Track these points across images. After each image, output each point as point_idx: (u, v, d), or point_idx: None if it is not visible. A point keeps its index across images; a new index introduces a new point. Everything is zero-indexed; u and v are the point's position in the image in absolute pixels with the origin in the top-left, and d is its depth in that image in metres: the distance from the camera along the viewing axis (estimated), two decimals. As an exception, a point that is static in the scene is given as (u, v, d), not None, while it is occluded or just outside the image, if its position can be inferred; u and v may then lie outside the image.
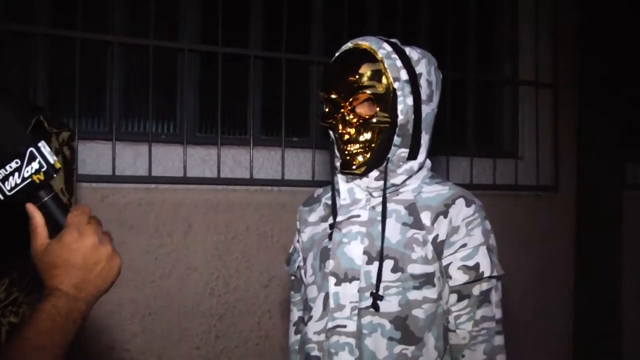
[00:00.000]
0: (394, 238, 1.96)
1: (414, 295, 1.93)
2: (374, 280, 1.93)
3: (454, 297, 1.95)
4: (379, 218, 1.97)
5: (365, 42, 1.99)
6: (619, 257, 4.86)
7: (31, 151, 1.34)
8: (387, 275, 1.93)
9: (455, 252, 1.94)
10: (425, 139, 2.02)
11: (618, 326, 4.85)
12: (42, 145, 1.37)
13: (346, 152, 1.97)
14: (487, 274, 1.95)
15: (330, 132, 2.04)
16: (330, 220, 2.05)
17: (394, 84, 1.94)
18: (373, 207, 2.00)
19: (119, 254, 1.43)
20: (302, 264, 2.16)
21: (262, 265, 3.83)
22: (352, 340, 1.95)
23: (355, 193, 2.02)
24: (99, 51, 3.70)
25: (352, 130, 1.95)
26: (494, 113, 4.98)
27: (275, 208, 3.84)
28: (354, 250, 1.98)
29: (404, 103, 1.94)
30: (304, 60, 4.14)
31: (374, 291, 1.92)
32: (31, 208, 1.36)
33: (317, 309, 2.03)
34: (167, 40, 3.79)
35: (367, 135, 1.94)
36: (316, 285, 2.05)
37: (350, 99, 1.94)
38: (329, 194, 2.12)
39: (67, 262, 1.34)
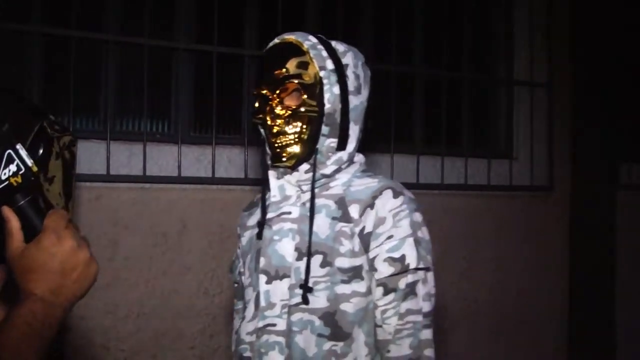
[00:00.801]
0: (323, 233, 1.93)
1: (342, 289, 1.90)
2: (303, 276, 1.90)
3: (380, 291, 1.89)
4: (309, 213, 1.96)
5: (291, 36, 2.00)
6: (613, 257, 4.87)
7: (9, 153, 1.34)
8: (316, 270, 1.91)
9: (382, 243, 1.89)
10: (354, 129, 2.00)
11: (612, 325, 4.86)
12: (20, 147, 1.37)
13: (276, 145, 1.95)
14: (412, 265, 1.88)
15: (261, 129, 2.03)
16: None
17: (320, 72, 1.94)
18: (304, 204, 1.98)
19: (95, 260, 1.40)
20: (242, 269, 2.14)
21: (256, 264, 3.82)
22: (281, 339, 1.92)
23: (286, 190, 2.01)
24: (94, 50, 3.69)
25: (282, 122, 1.94)
26: (488, 113, 4.98)
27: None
28: (285, 247, 1.96)
29: (331, 92, 1.94)
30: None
31: (304, 284, 1.89)
32: (7, 211, 1.34)
33: (249, 309, 2.01)
34: (162, 40, 3.78)
35: (297, 127, 1.93)
36: (252, 287, 2.03)
37: (278, 91, 1.94)
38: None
39: (43, 267, 1.31)
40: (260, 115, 1.99)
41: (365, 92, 2.05)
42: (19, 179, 1.34)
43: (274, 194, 2.01)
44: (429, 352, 1.91)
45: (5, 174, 1.32)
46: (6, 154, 1.33)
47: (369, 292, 1.91)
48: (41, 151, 2.17)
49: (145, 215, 3.59)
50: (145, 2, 3.63)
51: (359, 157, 2.07)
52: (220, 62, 3.80)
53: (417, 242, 1.91)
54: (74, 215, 2.29)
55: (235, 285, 2.23)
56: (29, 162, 1.36)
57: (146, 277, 3.57)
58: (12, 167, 1.33)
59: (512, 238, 4.68)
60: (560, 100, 4.90)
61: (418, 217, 1.96)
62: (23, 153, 1.36)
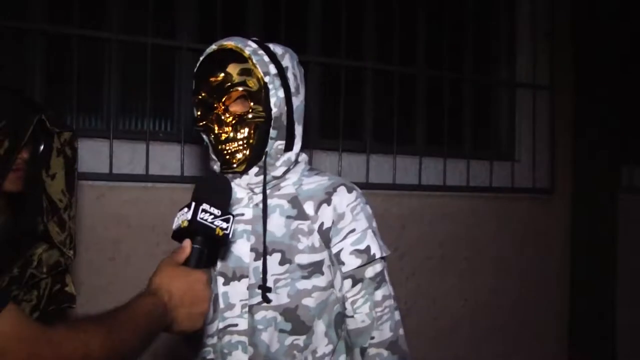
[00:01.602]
0: (279, 231, 1.97)
1: (303, 284, 1.95)
2: (262, 275, 1.94)
3: (348, 283, 1.98)
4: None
5: (230, 42, 1.99)
6: (614, 259, 4.87)
7: (232, 217, 1.71)
8: (275, 268, 1.95)
9: (345, 238, 1.98)
10: (298, 130, 2.04)
11: (613, 328, 4.86)
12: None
13: (225, 152, 1.96)
14: (378, 255, 1.99)
15: (204, 136, 2.03)
16: None
17: (264, 78, 1.95)
18: (257, 205, 2.01)
19: (204, 316, 1.68)
20: None
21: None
22: (244, 338, 1.96)
23: (236, 193, 2.02)
24: (97, 48, 3.68)
25: (229, 129, 1.94)
26: (490, 115, 4.98)
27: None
28: (241, 248, 1.99)
29: (276, 96, 1.95)
30: (302, 60, 4.13)
31: (261, 285, 1.93)
32: (188, 243, 1.68)
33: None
34: (165, 38, 3.78)
35: (245, 132, 1.94)
36: None
37: (223, 99, 1.94)
38: None
39: (180, 283, 1.60)
40: (203, 123, 1.99)
41: (302, 91, 2.07)
42: (220, 233, 1.69)
43: None
44: (402, 331, 2.04)
45: (218, 222, 1.69)
46: (231, 216, 1.71)
47: (329, 285, 1.99)
48: (42, 147, 2.18)
49: (147, 215, 3.58)
50: (148, 1, 3.63)
51: (303, 156, 2.11)
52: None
53: (374, 233, 2.03)
54: (77, 212, 2.30)
55: None
56: (230, 233, 1.71)
57: (148, 276, 3.55)
58: (224, 224, 1.69)
59: (514, 240, 4.68)
60: (562, 103, 4.90)
61: (369, 209, 2.06)
62: (233, 226, 1.73)
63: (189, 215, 1.67)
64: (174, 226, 1.74)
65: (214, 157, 2.03)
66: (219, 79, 1.93)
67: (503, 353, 4.65)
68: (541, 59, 4.85)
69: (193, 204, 1.69)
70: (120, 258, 3.52)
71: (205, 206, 1.67)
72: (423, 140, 4.60)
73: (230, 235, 1.71)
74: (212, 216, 1.67)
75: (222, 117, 1.95)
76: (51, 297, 2.22)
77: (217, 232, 1.67)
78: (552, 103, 4.87)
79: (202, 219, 1.66)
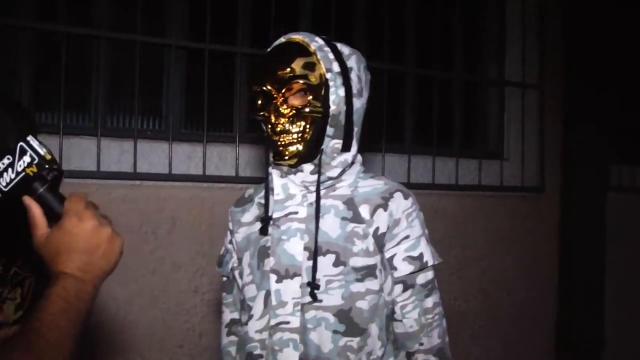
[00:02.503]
0: (334, 232, 1.98)
1: (357, 287, 1.96)
2: (316, 275, 1.95)
3: (399, 288, 2.01)
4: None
5: (298, 36, 2.02)
6: (602, 258, 4.89)
7: (21, 146, 1.40)
8: (329, 269, 1.96)
9: (399, 243, 1.99)
10: (356, 132, 2.05)
11: (601, 325, 4.88)
12: (31, 138, 1.42)
13: (279, 143, 1.97)
14: (430, 262, 2.01)
15: (263, 126, 2.04)
16: None
17: (326, 74, 1.96)
18: (311, 204, 2.01)
19: (119, 235, 1.49)
20: (236, 264, 2.16)
21: (246, 263, 3.81)
22: (296, 336, 1.96)
23: (290, 188, 2.03)
24: (85, 46, 3.67)
25: (285, 121, 1.96)
26: (479, 114, 4.99)
27: (260, 206, 3.82)
28: (294, 247, 1.99)
29: (336, 94, 1.97)
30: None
31: (311, 282, 1.94)
32: (28, 200, 1.41)
33: (257, 307, 2.02)
34: (154, 36, 3.76)
35: (300, 126, 1.96)
36: (255, 284, 2.05)
37: (283, 90, 1.95)
38: (261, 193, 2.14)
39: (69, 248, 1.40)
40: (263, 113, 2.00)
41: (365, 95, 2.09)
42: (34, 169, 1.40)
43: (277, 192, 2.03)
44: (447, 338, 2.11)
45: (20, 165, 1.39)
46: (18, 146, 1.39)
47: (381, 289, 2.00)
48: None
49: (135, 213, 3.57)
50: (137, -1, 3.62)
51: (358, 158, 2.12)
52: (212, 59, 3.79)
53: (428, 240, 2.05)
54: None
55: (225, 279, 2.26)
56: (42, 151, 1.41)
57: (135, 275, 3.56)
58: (26, 159, 1.39)
59: (503, 238, 4.69)
60: (551, 102, 4.91)
61: (422, 216, 2.07)
62: (35, 143, 1.42)
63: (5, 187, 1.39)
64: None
65: (269, 147, 2.04)
66: (284, 70, 1.95)
67: (492, 351, 4.65)
68: (530, 58, 4.86)
69: None
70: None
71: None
72: (412, 139, 4.60)
73: (41, 153, 1.42)
74: (8, 169, 1.40)
75: (280, 109, 1.96)
76: (35, 296, 2.21)
77: (31, 174, 1.41)
78: (541, 102, 4.88)
79: (8, 184, 1.40)
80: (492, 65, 5.01)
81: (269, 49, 2.06)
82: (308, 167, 1.99)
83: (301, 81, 1.94)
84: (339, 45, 2.04)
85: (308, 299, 1.95)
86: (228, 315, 2.24)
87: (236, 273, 2.15)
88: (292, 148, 1.96)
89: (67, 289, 1.37)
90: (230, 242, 2.21)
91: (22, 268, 2.15)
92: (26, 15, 3.50)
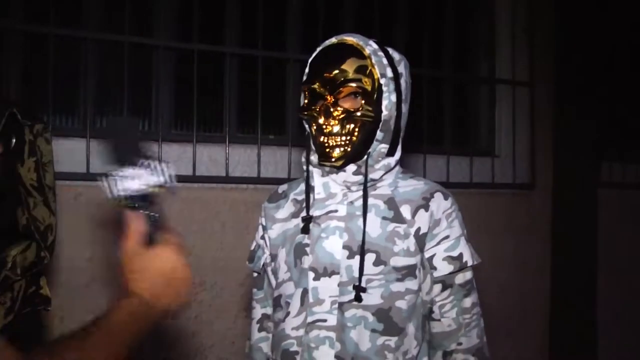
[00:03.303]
0: (374, 232, 1.98)
1: (397, 287, 1.96)
2: (355, 274, 1.94)
3: (438, 287, 2.01)
4: (358, 213, 1.98)
5: (352, 38, 2.02)
6: (594, 253, 4.89)
7: (163, 166, 1.46)
8: (369, 268, 1.95)
9: (439, 243, 2.00)
10: (401, 136, 2.06)
11: (593, 321, 4.89)
12: (170, 165, 1.48)
13: (326, 145, 1.97)
14: (470, 263, 2.04)
15: (306, 125, 2.04)
16: (304, 214, 2.05)
17: (380, 79, 1.96)
18: (351, 202, 2.01)
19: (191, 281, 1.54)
20: (268, 260, 2.16)
21: (238, 263, 3.79)
22: (332, 334, 1.96)
23: (331, 187, 2.03)
24: (73, 47, 3.66)
25: (335, 122, 1.95)
26: (470, 111, 4.99)
27: (251, 206, 3.81)
28: (333, 245, 1.99)
29: (389, 99, 1.97)
30: (281, 57, 4.13)
31: (357, 284, 1.93)
32: (138, 214, 1.45)
33: (294, 304, 2.02)
34: (143, 37, 3.75)
35: (350, 128, 1.95)
36: (293, 282, 2.04)
37: (335, 92, 1.95)
38: (297, 190, 2.14)
39: (153, 272, 1.46)
40: (308, 112, 2.00)
41: (409, 100, 2.10)
42: (162, 191, 1.46)
43: (318, 191, 2.03)
44: (485, 338, 2.11)
45: (154, 181, 1.43)
46: (161, 166, 1.45)
47: (419, 289, 2.00)
48: (14, 141, 2.16)
49: (124, 214, 3.55)
50: (125, 0, 3.60)
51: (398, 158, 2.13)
52: (201, 59, 3.78)
53: (467, 240, 2.07)
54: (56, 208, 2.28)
55: (255, 275, 2.26)
56: (174, 181, 1.48)
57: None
58: (160, 179, 1.44)
59: (494, 235, 4.69)
60: (541, 99, 4.92)
61: (461, 215, 2.08)
62: (171, 171, 1.47)
63: (109, 194, 1.43)
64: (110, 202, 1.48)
65: (313, 147, 2.03)
66: (337, 71, 1.94)
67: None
68: (521, 56, 4.86)
69: (105, 179, 1.43)
70: (97, 258, 3.50)
71: (116, 174, 1.43)
72: (403, 137, 4.59)
73: (173, 179, 1.48)
74: (134, 179, 1.43)
75: (331, 109, 1.96)
76: (26, 300, 2.21)
77: (155, 192, 1.46)
78: (531, 99, 4.88)
79: (130, 194, 1.43)
80: (482, 63, 5.01)
81: (318, 49, 2.05)
82: (351, 167, 1.99)
83: (354, 84, 1.93)
84: (390, 50, 2.05)
85: (346, 297, 1.95)
86: (259, 310, 2.23)
87: (269, 269, 2.16)
88: (339, 150, 1.96)
89: (135, 306, 1.42)
90: (262, 237, 2.20)
91: (12, 271, 2.15)
92: (14, 17, 3.49)
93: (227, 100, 3.95)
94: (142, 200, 1.45)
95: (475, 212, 4.63)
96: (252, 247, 2.26)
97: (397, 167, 2.10)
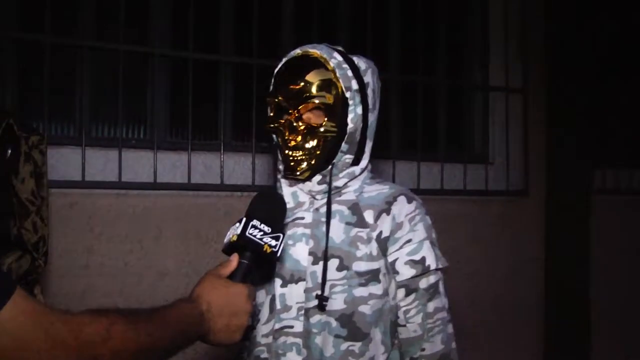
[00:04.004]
0: (338, 237, 1.98)
1: (360, 292, 1.96)
2: (320, 280, 1.95)
3: (401, 292, 2.00)
4: (323, 219, 1.99)
5: (316, 51, 2.01)
6: (587, 261, 4.90)
7: (282, 236, 1.73)
8: (333, 274, 1.96)
9: (401, 247, 1.99)
10: (369, 146, 2.07)
11: (588, 328, 4.89)
12: (286, 239, 1.84)
13: (290, 158, 1.99)
14: (433, 266, 2.00)
15: (274, 137, 2.05)
16: None
17: (345, 93, 1.96)
18: (317, 209, 2.02)
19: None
20: None
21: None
22: (299, 340, 1.97)
23: (299, 196, 2.05)
24: (69, 55, 3.66)
25: (299, 137, 1.97)
26: (464, 118, 5.00)
27: (246, 214, 3.81)
28: (300, 252, 2.00)
29: (354, 112, 1.98)
30: (275, 65, 4.13)
31: (320, 291, 1.94)
32: (235, 257, 1.71)
33: (264, 311, 2.04)
34: (138, 45, 3.76)
35: (313, 143, 1.97)
36: (264, 289, 2.05)
37: (299, 107, 1.96)
38: None
39: (221, 301, 1.61)
40: (274, 125, 2.00)
41: (377, 106, 2.10)
42: (268, 250, 1.70)
43: (287, 200, 2.03)
44: (454, 344, 2.09)
45: (267, 239, 1.70)
46: (281, 234, 1.74)
47: (385, 293, 1.99)
48: (9, 152, 2.17)
49: (120, 222, 3.56)
50: (120, 7, 3.61)
51: (368, 167, 2.14)
52: (197, 68, 3.79)
53: (433, 244, 2.05)
54: (49, 219, 2.29)
55: None
56: (279, 251, 1.73)
57: (121, 285, 3.55)
58: (273, 242, 1.71)
59: (488, 242, 4.70)
60: (535, 106, 4.92)
61: (429, 220, 2.08)
62: (283, 244, 1.75)
63: (239, 230, 1.70)
64: (225, 240, 1.77)
65: (280, 158, 2.05)
66: (299, 86, 1.95)
67: (478, 357, 4.66)
68: (514, 63, 4.87)
69: (244, 219, 1.72)
70: (93, 266, 3.50)
71: (255, 222, 1.71)
72: (397, 144, 4.61)
73: (279, 254, 1.73)
74: (262, 232, 1.70)
75: (294, 124, 1.97)
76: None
77: (265, 249, 1.70)
78: (525, 106, 4.89)
79: (250, 234, 1.69)
80: (476, 70, 5.02)
81: (284, 60, 2.05)
82: (316, 177, 2.00)
83: (317, 100, 1.94)
84: (356, 60, 2.05)
85: (311, 303, 1.95)
86: None
87: None
88: (304, 164, 1.97)
89: (192, 314, 1.55)
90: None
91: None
92: (9, 25, 3.49)
93: (222, 108, 3.95)
94: (252, 249, 1.70)
95: (469, 219, 4.65)
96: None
97: (366, 174, 2.11)
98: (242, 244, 1.70)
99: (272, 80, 2.05)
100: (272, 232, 1.71)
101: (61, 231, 3.34)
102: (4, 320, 1.19)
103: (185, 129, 3.79)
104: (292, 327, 1.98)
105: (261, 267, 1.81)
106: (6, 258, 2.17)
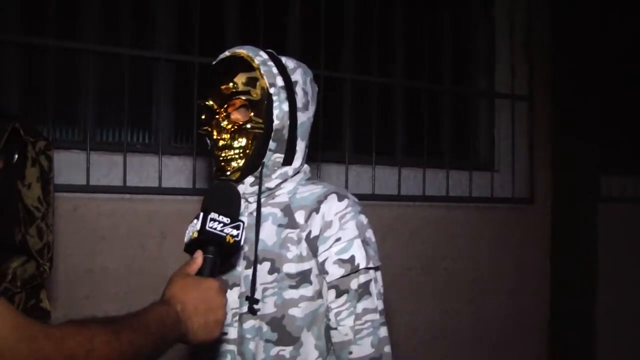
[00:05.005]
0: (270, 240, 1.96)
1: (290, 294, 1.91)
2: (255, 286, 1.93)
3: (332, 293, 1.92)
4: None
5: (242, 50, 2.01)
6: (594, 268, 4.88)
7: (242, 224, 1.72)
8: (264, 277, 1.93)
9: (330, 247, 1.92)
10: (301, 145, 2.03)
11: (593, 336, 4.87)
12: (247, 226, 1.79)
13: (221, 158, 1.96)
14: (362, 265, 1.91)
15: (208, 140, 2.03)
16: None
17: (269, 89, 1.95)
18: (251, 213, 2.00)
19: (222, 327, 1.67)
20: None
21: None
22: (233, 347, 1.95)
23: None
24: (74, 59, 3.65)
25: (227, 136, 1.95)
26: (470, 125, 4.99)
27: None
28: (233, 257, 1.98)
29: (280, 108, 1.95)
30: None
31: (249, 295, 1.91)
32: (199, 253, 1.69)
33: None
34: (143, 49, 3.75)
35: (242, 142, 1.94)
36: None
37: (225, 105, 1.95)
38: None
39: (192, 293, 1.60)
40: (207, 127, 1.99)
41: (312, 108, 2.07)
42: (231, 241, 1.69)
43: None
44: (387, 348, 1.95)
45: (228, 230, 1.69)
46: (241, 222, 1.72)
47: (317, 295, 1.94)
48: (16, 157, 2.16)
49: (124, 226, 3.55)
50: (125, 12, 3.61)
51: (304, 168, 2.09)
52: (201, 73, 3.78)
53: (365, 243, 1.95)
54: (54, 223, 2.27)
55: None
56: (242, 239, 1.72)
57: (125, 289, 3.53)
58: (235, 232, 1.70)
59: (493, 250, 4.68)
60: (541, 113, 4.92)
61: (363, 219, 1.98)
62: (245, 230, 1.74)
63: (198, 226, 1.68)
64: (185, 239, 1.75)
65: (213, 161, 2.03)
66: (226, 85, 1.94)
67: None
68: (520, 70, 4.86)
69: (201, 214, 1.70)
70: (97, 270, 3.49)
71: (213, 215, 1.69)
72: (402, 151, 4.60)
73: (242, 242, 1.72)
74: (222, 224, 1.69)
75: (222, 124, 1.95)
76: (26, 313, 2.19)
77: (227, 240, 1.68)
78: (530, 113, 4.89)
79: (211, 227, 1.68)
80: (481, 77, 5.02)
81: (213, 63, 2.05)
82: (248, 179, 1.98)
83: (243, 97, 1.93)
84: (284, 59, 2.03)
85: (246, 309, 1.92)
86: None
87: None
88: (234, 164, 1.95)
89: (169, 316, 1.52)
90: None
91: (12, 284, 2.14)
92: (14, 29, 3.49)
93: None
94: (215, 242, 1.68)
95: (475, 227, 4.63)
96: None
97: (302, 175, 2.08)
98: (204, 239, 1.68)
99: (204, 84, 2.04)
100: (231, 222, 1.70)
101: (65, 235, 3.33)
102: None
103: (190, 134, 3.78)
104: (226, 333, 1.95)
105: (226, 258, 1.79)
106: (11, 263, 2.15)
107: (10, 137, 2.08)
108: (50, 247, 2.22)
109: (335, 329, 1.93)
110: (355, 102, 4.42)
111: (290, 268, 1.93)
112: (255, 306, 1.91)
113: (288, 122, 1.97)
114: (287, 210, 1.99)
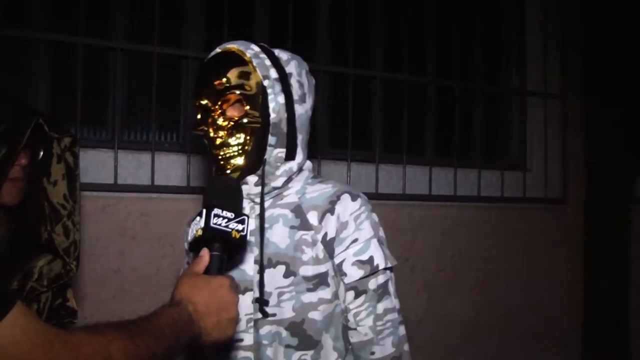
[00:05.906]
0: (283, 243, 1.92)
1: (309, 297, 1.89)
2: (266, 289, 1.89)
3: (351, 294, 1.91)
4: (267, 225, 1.94)
5: (233, 45, 1.96)
6: (627, 269, 4.82)
7: (247, 218, 1.67)
8: (280, 281, 1.89)
9: (347, 248, 1.91)
10: (300, 139, 1.98)
11: (627, 339, 4.81)
12: (251, 222, 1.73)
13: (220, 157, 1.92)
14: (382, 266, 1.91)
15: (205, 141, 1.97)
16: None
17: (263, 82, 1.90)
18: (259, 215, 1.94)
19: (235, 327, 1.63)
20: None
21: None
22: (250, 354, 1.91)
23: None
24: (102, 58, 3.64)
25: (224, 134, 1.90)
26: (501, 124, 4.93)
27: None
28: (245, 261, 1.94)
29: (275, 101, 1.91)
30: (310, 69, 4.09)
31: (259, 297, 1.88)
32: (205, 251, 1.63)
33: None
34: (172, 47, 3.73)
35: (240, 138, 1.90)
36: None
37: (220, 102, 1.90)
38: None
39: (206, 299, 1.55)
40: (202, 127, 1.94)
41: (310, 101, 2.03)
42: (237, 236, 1.64)
43: None
44: (406, 347, 1.96)
45: (233, 225, 1.64)
46: (246, 217, 1.67)
47: (335, 297, 1.92)
48: (41, 153, 2.13)
49: (152, 226, 3.53)
50: (154, 10, 3.58)
51: (307, 164, 2.05)
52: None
53: (381, 243, 1.95)
54: (81, 223, 2.25)
55: None
56: (248, 234, 1.67)
57: (153, 288, 3.51)
58: (240, 227, 1.64)
59: (526, 250, 4.62)
60: (574, 112, 4.85)
61: (375, 217, 1.98)
62: (251, 226, 1.71)
63: (202, 223, 1.63)
64: (189, 237, 1.69)
65: (212, 161, 1.98)
66: (219, 81, 1.90)
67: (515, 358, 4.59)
68: (552, 67, 4.80)
69: (204, 210, 1.64)
70: (125, 270, 3.47)
71: (217, 211, 1.63)
72: (433, 150, 4.55)
73: (248, 236, 1.67)
74: (226, 220, 1.63)
75: (218, 121, 1.91)
76: (52, 312, 2.17)
77: (233, 235, 1.63)
78: (563, 112, 4.82)
79: (215, 224, 1.62)
80: (513, 75, 4.96)
81: (205, 60, 2.00)
82: (252, 179, 1.93)
83: (237, 91, 1.89)
84: (277, 51, 1.99)
85: (260, 314, 1.89)
86: None
87: None
88: (234, 161, 1.90)
89: (181, 317, 1.48)
90: (188, 262, 2.16)
91: (39, 282, 2.11)
92: (43, 27, 3.48)
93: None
94: (220, 239, 1.63)
95: (507, 227, 4.58)
96: (181, 272, 2.21)
97: (307, 173, 2.04)
98: (209, 236, 1.62)
99: (196, 82, 1.99)
100: (235, 217, 1.64)
101: (93, 235, 3.32)
102: (0, 337, 1.16)
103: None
104: (242, 340, 1.91)
105: (233, 254, 1.73)
106: (37, 261, 2.13)
107: (35, 134, 2.05)
108: (77, 246, 2.20)
109: (355, 329, 1.93)
110: (386, 101, 4.39)
111: (306, 271, 1.90)
112: (270, 310, 1.88)
113: (285, 115, 1.92)
114: (298, 211, 1.95)
